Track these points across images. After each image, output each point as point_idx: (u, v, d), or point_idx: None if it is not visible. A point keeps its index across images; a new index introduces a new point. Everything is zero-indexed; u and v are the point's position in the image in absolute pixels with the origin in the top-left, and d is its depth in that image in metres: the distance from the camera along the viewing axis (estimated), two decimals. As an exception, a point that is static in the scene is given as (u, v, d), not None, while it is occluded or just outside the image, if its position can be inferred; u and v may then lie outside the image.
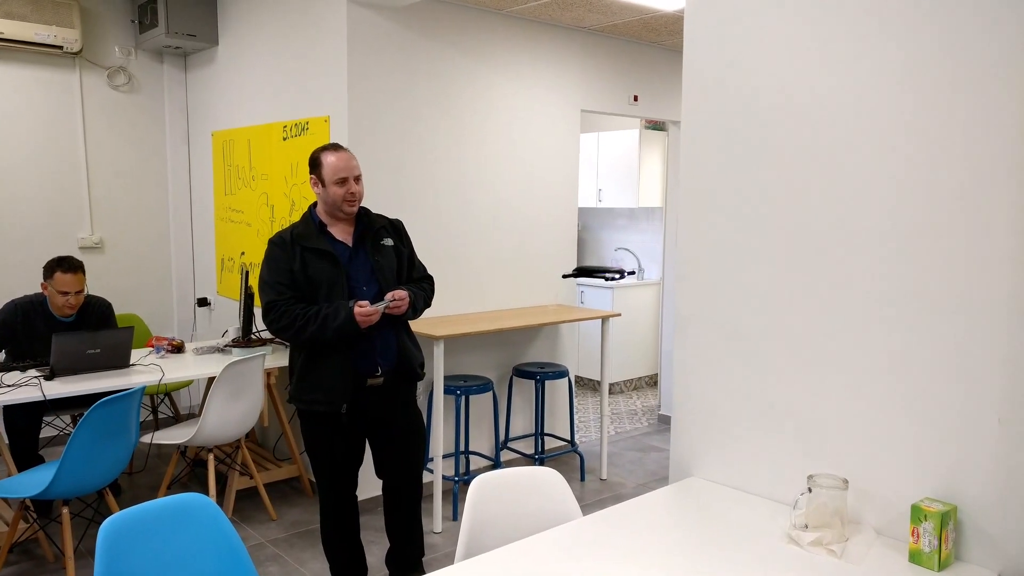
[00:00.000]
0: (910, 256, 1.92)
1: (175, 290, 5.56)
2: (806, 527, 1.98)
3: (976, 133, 1.79)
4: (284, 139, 4.29)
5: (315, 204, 2.98)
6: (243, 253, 4.84)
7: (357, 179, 2.88)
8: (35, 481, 3.03)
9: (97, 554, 1.73)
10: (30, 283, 4.67)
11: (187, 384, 4.95)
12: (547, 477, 2.15)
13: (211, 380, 4.40)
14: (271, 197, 4.48)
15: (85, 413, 2.93)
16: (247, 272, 4.16)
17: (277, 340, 4.39)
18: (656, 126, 6.52)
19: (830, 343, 2.08)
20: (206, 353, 4.18)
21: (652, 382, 6.92)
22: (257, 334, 4.36)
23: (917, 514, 1.83)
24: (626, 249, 7.02)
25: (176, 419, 5.11)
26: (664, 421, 5.76)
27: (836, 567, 1.82)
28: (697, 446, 2.42)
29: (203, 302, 5.39)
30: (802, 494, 2.02)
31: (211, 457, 3.74)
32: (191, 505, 1.93)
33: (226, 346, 4.23)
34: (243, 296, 4.17)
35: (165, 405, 5.26)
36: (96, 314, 4.05)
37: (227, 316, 5.14)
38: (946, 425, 1.89)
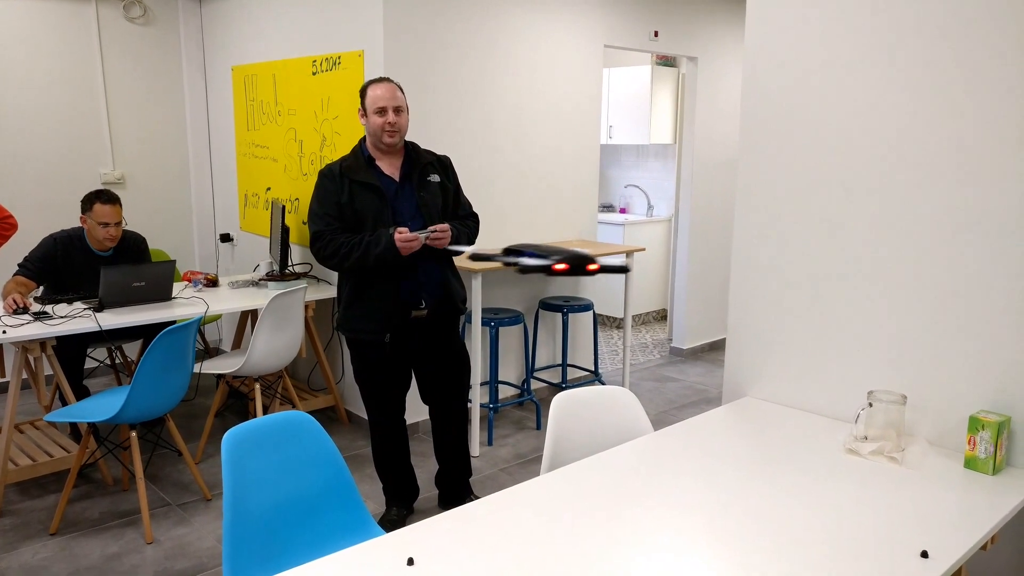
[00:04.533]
0: (968, 181, 2.04)
1: (195, 226, 5.59)
2: (865, 439, 2.15)
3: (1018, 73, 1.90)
4: (314, 74, 4.29)
5: (365, 138, 3.04)
6: (269, 189, 4.87)
7: (397, 110, 2.93)
8: (106, 406, 3.14)
9: (224, 458, 1.86)
10: (57, 220, 4.69)
11: (215, 318, 5.03)
12: (621, 395, 2.29)
13: (245, 313, 4.51)
14: (299, 133, 4.49)
15: (152, 341, 3.02)
16: (283, 208, 4.21)
17: (312, 274, 4.47)
18: (667, 62, 6.53)
19: (887, 264, 2.22)
20: (241, 287, 4.25)
21: (661, 316, 7.10)
22: (292, 268, 4.43)
23: (975, 424, 1.99)
24: (635, 186, 7.10)
25: (206, 352, 5.21)
26: (676, 353, 5.96)
27: (896, 473, 1.99)
28: (751, 368, 2.57)
29: (225, 238, 5.43)
30: (863, 409, 2.18)
31: (257, 386, 3.85)
32: (297, 421, 2.06)
33: (261, 280, 4.31)
34: (279, 231, 4.22)
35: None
36: (133, 248, 4.10)
37: (251, 252, 5.19)
38: (999, 342, 2.04)
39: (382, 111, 2.91)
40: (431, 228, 2.91)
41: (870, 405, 2.15)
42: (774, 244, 2.47)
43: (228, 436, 1.89)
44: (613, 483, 1.89)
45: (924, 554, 1.59)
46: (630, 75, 6.53)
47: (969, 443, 2.01)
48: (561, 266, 1.65)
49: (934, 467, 2.02)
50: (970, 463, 2.02)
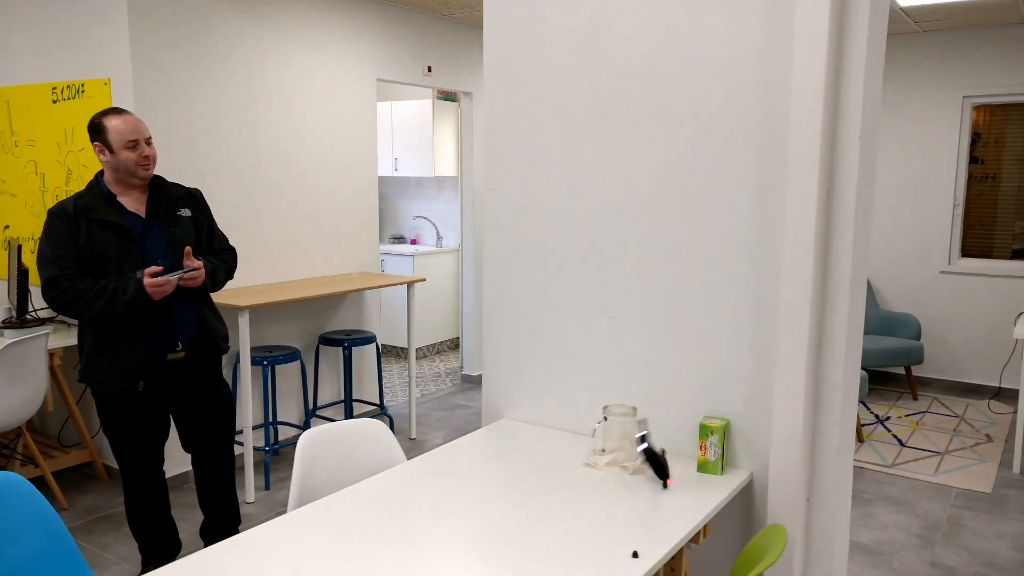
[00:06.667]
0: (679, 217, 2.27)
1: (-81, 270, 4.90)
2: (603, 451, 2.29)
3: (729, 132, 2.15)
4: (54, 102, 3.94)
5: (101, 172, 2.82)
6: (7, 227, 4.39)
7: (148, 141, 2.77)
8: None
9: None
10: None
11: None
12: (372, 427, 2.28)
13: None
14: (41, 165, 4.10)
15: None
16: (20, 247, 3.80)
17: (59, 319, 4.07)
18: (448, 96, 6.70)
19: (616, 293, 2.40)
20: (-30, 337, 3.78)
21: (454, 345, 7.19)
22: (34, 313, 4.01)
23: (705, 431, 2.17)
24: (424, 217, 7.18)
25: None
26: (467, 380, 6.05)
27: (627, 482, 2.13)
28: (506, 391, 2.67)
29: (-43, 283, 4.81)
30: (599, 423, 2.32)
31: (-13, 449, 3.43)
32: (1, 483, 1.84)
33: (-5, 329, 3.86)
34: (15, 273, 3.81)
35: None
36: None
37: (-11, 297, 4.64)
38: (712, 356, 2.27)
39: (134, 144, 2.72)
40: (184, 268, 2.75)
41: (605, 419, 2.29)
42: (518, 276, 2.59)
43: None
44: (360, 514, 1.87)
45: (635, 554, 1.71)
46: (412, 108, 6.62)
47: (701, 448, 2.19)
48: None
49: (672, 474, 2.18)
50: (702, 467, 2.20)
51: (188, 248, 2.77)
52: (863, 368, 5.69)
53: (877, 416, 5.41)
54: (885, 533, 3.61)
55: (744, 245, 2.17)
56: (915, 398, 5.79)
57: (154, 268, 2.68)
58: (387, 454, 2.26)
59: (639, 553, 1.71)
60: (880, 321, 5.95)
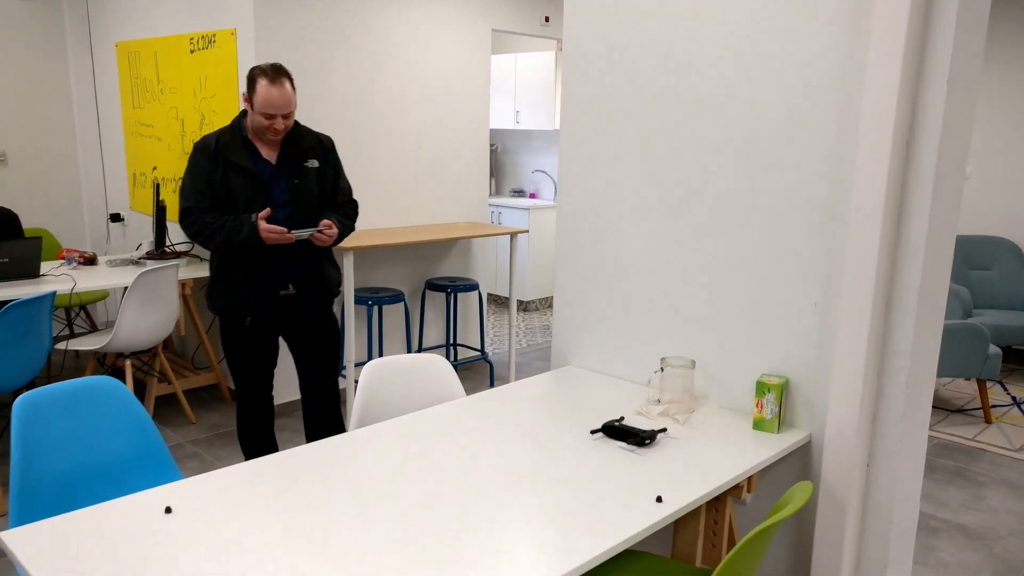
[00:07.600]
0: (748, 170, 2.18)
1: (85, 205, 5.52)
2: (659, 402, 2.28)
3: (803, 81, 2.04)
4: (192, 52, 4.28)
5: (245, 113, 2.94)
6: (155, 168, 4.84)
7: (287, 116, 2.85)
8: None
9: (12, 427, 1.90)
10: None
11: (102, 297, 4.99)
12: (434, 362, 2.38)
13: (126, 291, 4.50)
14: (181, 111, 4.48)
15: (-4, 316, 3.02)
16: (158, 186, 4.20)
17: (193, 252, 4.48)
18: (572, 49, 6.64)
19: (683, 245, 2.35)
20: (119, 265, 4.24)
21: (565, 299, 7.24)
22: (171, 247, 4.43)
23: (761, 388, 2.12)
24: (543, 171, 7.21)
25: (93, 331, 5.16)
26: (572, 334, 6.10)
27: (678, 432, 2.12)
28: (574, 338, 2.70)
29: (116, 217, 5.38)
30: (655, 372, 2.31)
31: (128, 363, 3.86)
32: (102, 386, 2.10)
33: (140, 258, 4.30)
34: (155, 209, 4.22)
35: (81, 319, 5.30)
36: (1, 224, 4.06)
37: (141, 231, 5.16)
38: (775, 312, 2.19)
39: (270, 117, 2.82)
40: (316, 228, 2.89)
41: (662, 370, 2.28)
42: (588, 230, 2.59)
43: (19, 402, 1.93)
44: (409, 439, 1.99)
45: (659, 499, 1.72)
46: (535, 61, 6.62)
47: (757, 406, 2.14)
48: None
49: (725, 429, 2.15)
50: (758, 424, 2.15)
51: (330, 221, 2.92)
52: (996, 345, 5.23)
53: (1014, 398, 4.98)
54: (993, 517, 3.36)
55: (814, 200, 2.07)
56: (1065, 383, 5.26)
57: (267, 212, 2.84)
58: (447, 389, 2.36)
59: (663, 498, 1.72)
60: (1032, 296, 5.43)
